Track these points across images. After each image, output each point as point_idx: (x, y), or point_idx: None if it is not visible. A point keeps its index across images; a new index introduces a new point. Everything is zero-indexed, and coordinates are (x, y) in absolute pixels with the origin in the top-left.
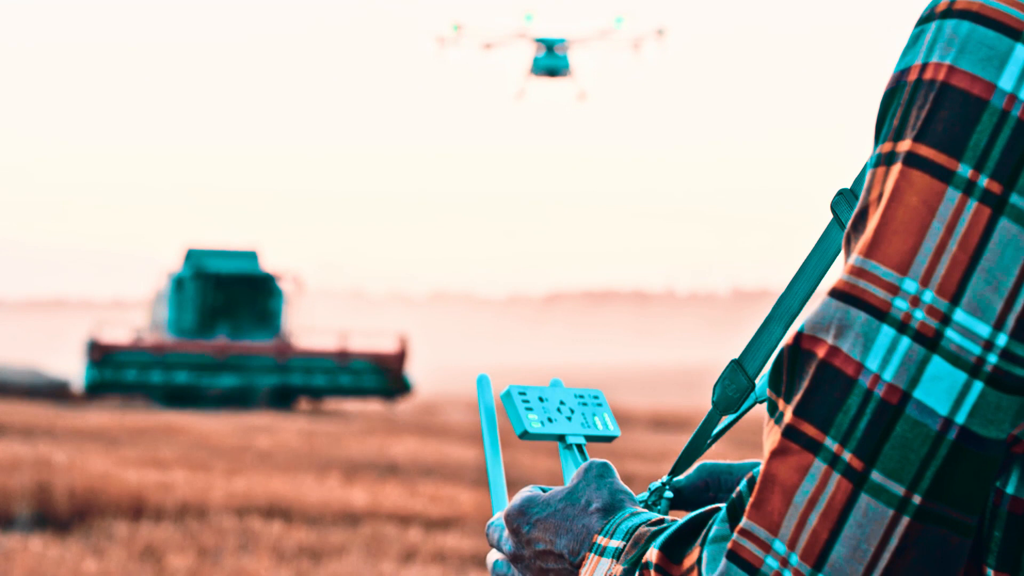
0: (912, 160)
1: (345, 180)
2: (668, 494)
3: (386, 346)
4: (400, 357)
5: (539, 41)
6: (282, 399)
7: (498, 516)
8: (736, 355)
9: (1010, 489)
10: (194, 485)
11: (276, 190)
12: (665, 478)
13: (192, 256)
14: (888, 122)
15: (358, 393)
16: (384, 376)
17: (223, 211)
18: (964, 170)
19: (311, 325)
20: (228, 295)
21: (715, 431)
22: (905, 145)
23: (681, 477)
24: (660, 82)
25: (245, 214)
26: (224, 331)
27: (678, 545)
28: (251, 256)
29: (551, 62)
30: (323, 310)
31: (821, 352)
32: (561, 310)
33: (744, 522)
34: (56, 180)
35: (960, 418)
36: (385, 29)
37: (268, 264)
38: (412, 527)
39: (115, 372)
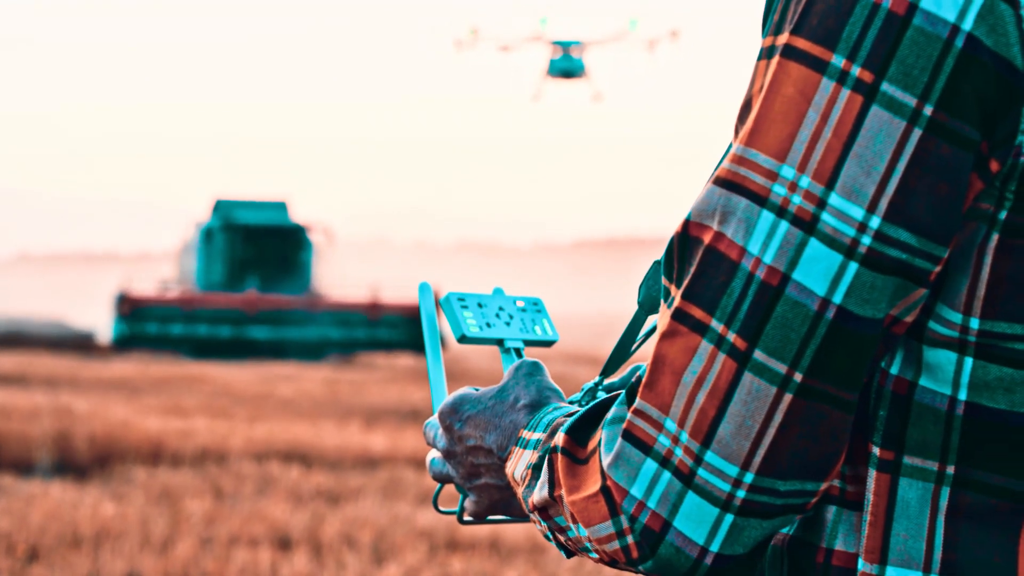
0: (789, 52)
1: (368, 129)
2: (601, 395)
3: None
4: None
5: (555, 44)
6: (313, 353)
7: (434, 416)
8: None
9: (894, 369)
10: (214, 432)
11: (302, 140)
12: (597, 379)
13: (220, 207)
14: (770, 18)
15: (390, 347)
16: (415, 329)
17: (248, 161)
18: (837, 60)
19: (340, 277)
20: (258, 247)
21: (644, 332)
22: (783, 38)
23: (615, 378)
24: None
25: (270, 164)
26: (254, 284)
27: (583, 429)
28: (281, 207)
29: (567, 64)
30: (348, 260)
31: (707, 238)
32: (587, 258)
33: (637, 402)
34: (81, 132)
35: (837, 298)
36: None
37: (297, 215)
38: None
39: (144, 326)
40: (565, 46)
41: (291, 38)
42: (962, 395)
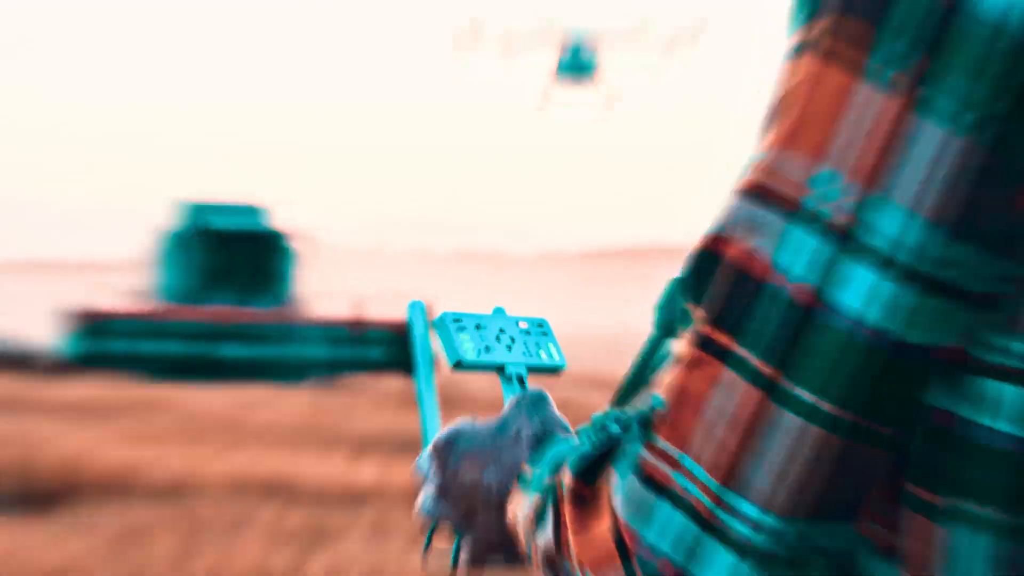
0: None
1: (363, 136)
2: (612, 427)
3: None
4: None
5: (564, 38)
6: (293, 373)
7: (426, 451)
8: None
9: (939, 402)
10: (184, 463)
11: (293, 146)
12: (608, 409)
13: (190, 211)
14: (798, 15)
15: (374, 367)
16: (404, 348)
17: (246, 168)
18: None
19: (326, 288)
20: (230, 254)
21: (660, 357)
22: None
23: (628, 409)
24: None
25: (269, 170)
26: (226, 296)
27: (592, 467)
28: (254, 211)
29: (576, 63)
30: (341, 270)
31: (731, 254)
32: (597, 269)
33: (652, 437)
34: (30, 131)
35: (875, 321)
36: None
37: (278, 221)
38: None
39: (103, 342)
40: (574, 49)
41: (293, 43)
42: (1017, 431)
